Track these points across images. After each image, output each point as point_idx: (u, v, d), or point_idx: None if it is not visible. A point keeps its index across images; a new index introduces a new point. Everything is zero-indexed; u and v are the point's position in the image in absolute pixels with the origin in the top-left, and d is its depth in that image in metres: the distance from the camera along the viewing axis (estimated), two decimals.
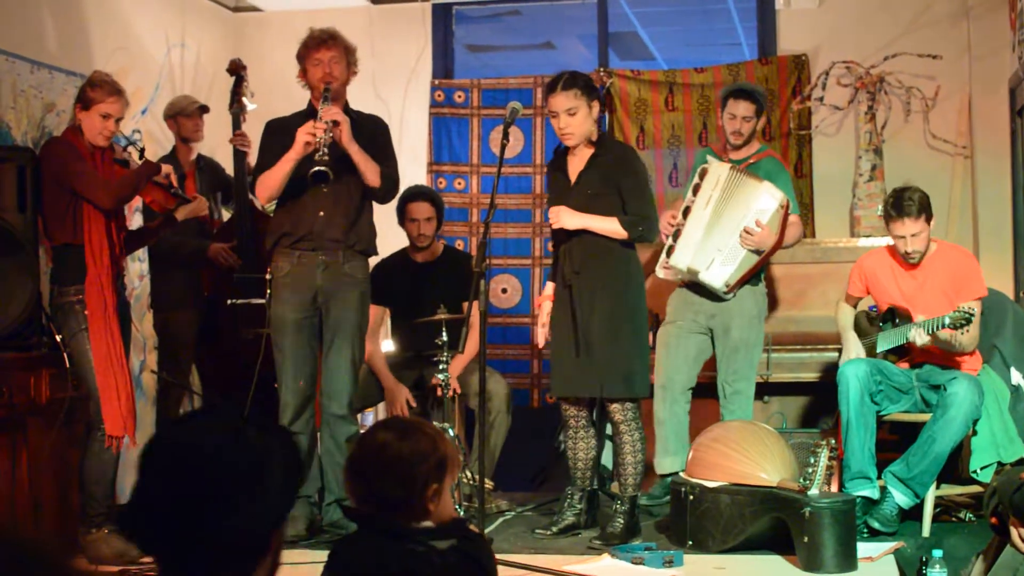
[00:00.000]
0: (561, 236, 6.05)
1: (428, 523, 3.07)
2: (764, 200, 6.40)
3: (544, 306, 6.20)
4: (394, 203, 6.76)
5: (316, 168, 5.80)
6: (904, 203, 6.14)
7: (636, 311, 6.04)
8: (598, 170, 5.99)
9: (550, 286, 6.22)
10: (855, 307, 6.60)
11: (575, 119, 5.93)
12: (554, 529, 6.14)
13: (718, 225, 6.46)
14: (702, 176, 6.57)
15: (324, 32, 6.18)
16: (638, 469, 6.05)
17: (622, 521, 5.97)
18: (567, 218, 5.95)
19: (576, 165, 6.06)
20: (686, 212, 6.55)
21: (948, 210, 7.93)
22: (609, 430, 6.60)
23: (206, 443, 2.19)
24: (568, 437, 6.24)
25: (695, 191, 6.57)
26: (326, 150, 5.85)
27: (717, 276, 6.45)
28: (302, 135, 5.91)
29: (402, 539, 3.00)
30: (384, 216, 6.64)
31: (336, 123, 5.94)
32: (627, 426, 5.99)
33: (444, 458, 3.11)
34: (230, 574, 2.18)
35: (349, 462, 3.17)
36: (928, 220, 6.17)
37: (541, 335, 6.21)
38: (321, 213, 6.09)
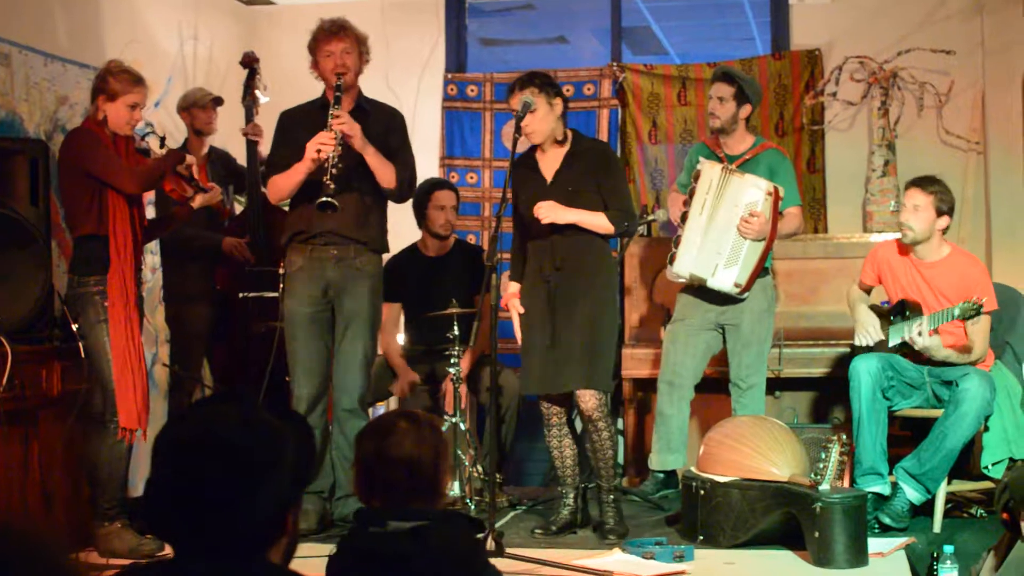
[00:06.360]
0: (539, 232, 5.99)
1: (418, 506, 3.20)
2: (751, 193, 6.36)
3: (515, 303, 6.10)
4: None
5: (322, 200, 5.76)
6: (922, 176, 6.24)
7: (614, 305, 6.10)
8: (577, 167, 5.96)
9: (515, 285, 6.14)
10: (867, 294, 6.59)
11: (535, 116, 5.88)
12: (552, 528, 6.11)
13: (713, 229, 6.43)
14: (696, 179, 6.54)
15: (335, 23, 6.13)
16: (615, 460, 6.05)
17: (614, 512, 5.99)
18: (561, 213, 5.88)
19: (550, 163, 6.02)
20: (684, 217, 6.53)
21: (961, 206, 7.87)
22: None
23: (218, 430, 2.22)
24: (552, 436, 6.15)
25: (691, 195, 6.54)
26: (334, 169, 5.80)
27: (725, 280, 6.41)
28: (312, 148, 5.88)
29: (366, 524, 3.10)
30: (395, 213, 6.64)
31: (344, 128, 5.90)
32: (605, 420, 5.92)
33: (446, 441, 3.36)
34: (245, 556, 2.21)
35: (368, 455, 3.25)
36: (936, 205, 6.17)
37: (519, 334, 6.12)
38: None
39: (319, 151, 5.84)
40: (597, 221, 5.90)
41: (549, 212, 5.87)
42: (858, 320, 6.47)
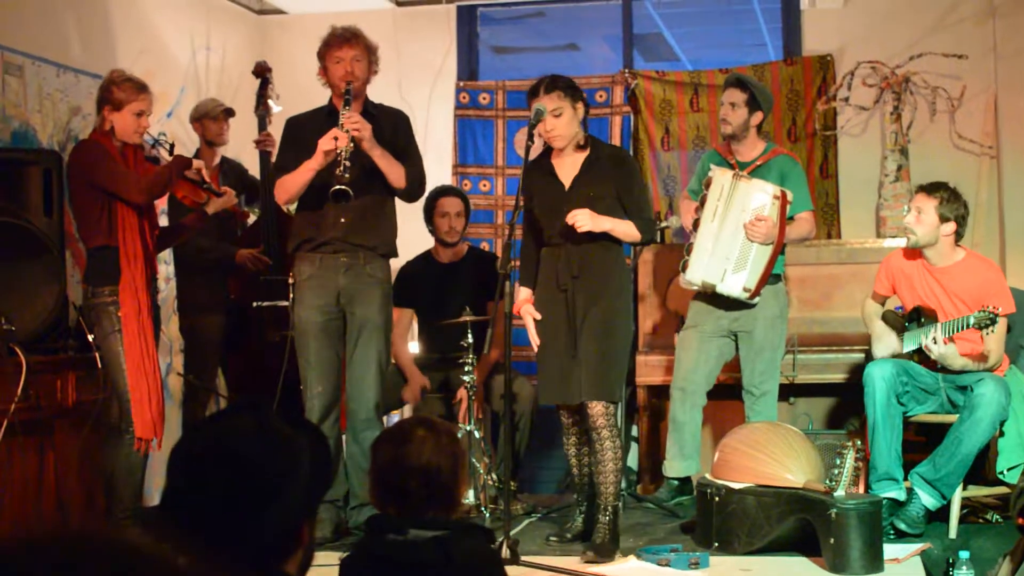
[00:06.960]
0: (554, 238, 5.90)
1: (434, 514, 3.19)
2: (758, 197, 6.38)
3: (528, 308, 5.98)
4: (420, 203, 6.77)
5: (336, 187, 5.73)
6: (932, 182, 6.24)
7: (628, 313, 6.03)
8: (596, 173, 5.88)
9: (527, 291, 6.04)
10: (882, 305, 6.57)
11: (561, 120, 5.80)
12: (567, 536, 6.09)
13: (723, 235, 6.42)
14: (707, 186, 6.53)
15: (346, 30, 6.11)
16: (619, 477, 5.88)
17: (606, 531, 5.78)
18: (596, 221, 5.72)
19: (568, 168, 5.94)
20: (696, 224, 6.52)
21: (974, 210, 7.83)
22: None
23: (232, 442, 2.20)
24: (571, 444, 6.12)
25: (702, 202, 6.53)
26: (347, 162, 5.78)
27: (734, 285, 6.41)
28: (323, 145, 5.85)
29: (384, 532, 3.08)
30: (407, 219, 6.65)
31: (357, 129, 5.88)
32: (610, 431, 5.80)
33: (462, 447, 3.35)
34: (261, 567, 2.18)
35: (385, 462, 3.25)
36: (941, 212, 6.13)
37: (535, 341, 6.00)
38: (343, 219, 6.05)
39: (334, 144, 5.81)
40: (629, 230, 5.82)
41: (586, 221, 5.70)
42: (876, 336, 6.48)
